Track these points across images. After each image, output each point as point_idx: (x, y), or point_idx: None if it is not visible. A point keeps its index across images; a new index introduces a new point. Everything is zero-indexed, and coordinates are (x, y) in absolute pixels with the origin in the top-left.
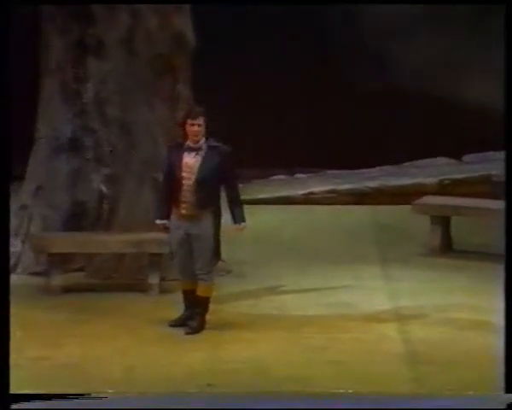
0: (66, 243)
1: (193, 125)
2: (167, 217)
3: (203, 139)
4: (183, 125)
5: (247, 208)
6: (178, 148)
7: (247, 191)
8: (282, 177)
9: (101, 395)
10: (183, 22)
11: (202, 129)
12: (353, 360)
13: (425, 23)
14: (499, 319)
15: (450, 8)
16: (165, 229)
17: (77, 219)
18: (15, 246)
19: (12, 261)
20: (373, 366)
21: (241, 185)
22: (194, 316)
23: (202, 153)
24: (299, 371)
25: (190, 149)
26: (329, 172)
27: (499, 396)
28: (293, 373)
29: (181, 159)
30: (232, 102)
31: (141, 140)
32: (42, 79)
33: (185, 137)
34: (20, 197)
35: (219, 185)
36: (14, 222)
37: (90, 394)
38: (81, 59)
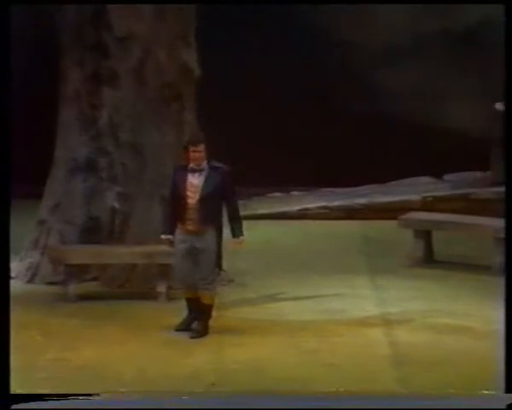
0: (82, 254)
1: (194, 151)
2: (172, 232)
3: (204, 162)
4: (186, 149)
5: (247, 223)
6: (183, 169)
7: (248, 207)
8: (278, 194)
9: (104, 395)
10: (188, 54)
11: (203, 154)
12: (344, 361)
13: (410, 52)
14: (478, 324)
15: (432, 39)
16: (170, 243)
17: (91, 233)
18: (34, 258)
19: (31, 272)
20: (362, 367)
21: (241, 202)
22: (199, 322)
23: (205, 173)
24: (295, 372)
25: (194, 171)
26: (322, 190)
27: (499, 396)
28: (290, 374)
29: (186, 179)
30: (233, 128)
31: (150, 161)
32: (60, 106)
33: (189, 160)
34: (39, 213)
35: (221, 203)
36: (32, 236)
37: (90, 395)
38: (96, 88)
